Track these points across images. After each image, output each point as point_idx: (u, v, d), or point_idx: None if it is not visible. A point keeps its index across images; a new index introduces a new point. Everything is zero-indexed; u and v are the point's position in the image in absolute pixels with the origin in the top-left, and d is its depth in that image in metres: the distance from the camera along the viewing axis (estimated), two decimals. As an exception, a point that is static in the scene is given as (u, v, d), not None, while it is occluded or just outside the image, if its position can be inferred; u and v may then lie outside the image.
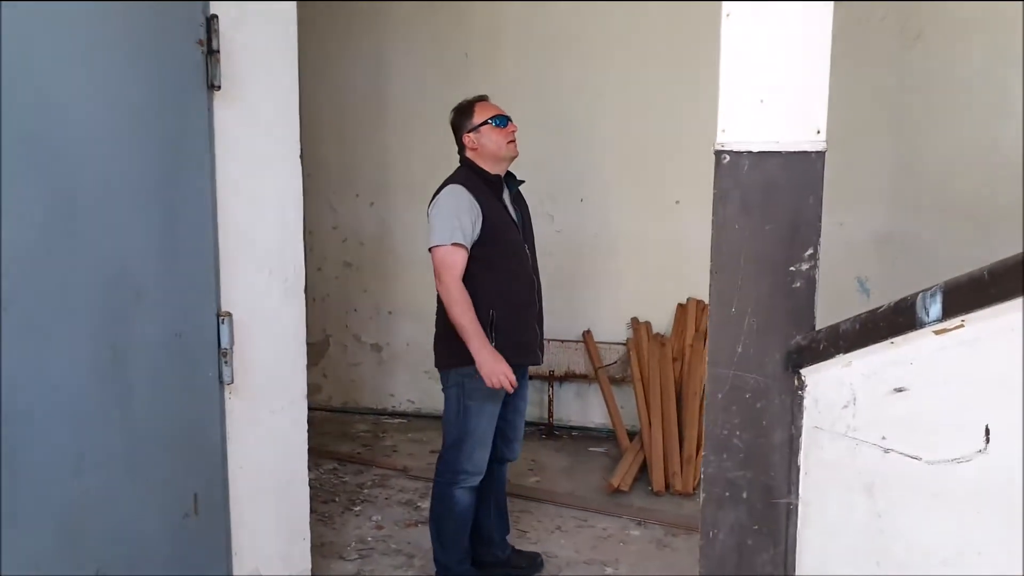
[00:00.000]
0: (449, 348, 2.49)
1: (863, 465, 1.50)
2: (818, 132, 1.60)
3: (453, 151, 2.66)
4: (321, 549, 2.98)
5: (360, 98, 4.68)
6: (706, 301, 4.34)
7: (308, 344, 4.87)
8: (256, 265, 2.17)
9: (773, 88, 1.63)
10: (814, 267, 1.64)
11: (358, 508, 3.32)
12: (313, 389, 4.89)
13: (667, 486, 3.60)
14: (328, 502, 3.38)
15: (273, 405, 2.27)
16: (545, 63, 4.36)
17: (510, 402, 2.62)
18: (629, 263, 4.37)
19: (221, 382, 1.99)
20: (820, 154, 1.60)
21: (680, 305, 4.33)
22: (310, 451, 3.96)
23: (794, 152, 1.63)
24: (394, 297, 4.66)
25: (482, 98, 2.59)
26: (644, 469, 3.76)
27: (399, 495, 3.47)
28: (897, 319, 1.41)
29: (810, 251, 1.63)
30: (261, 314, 2.19)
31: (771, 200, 1.65)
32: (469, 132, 2.53)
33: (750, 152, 1.65)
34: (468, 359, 2.42)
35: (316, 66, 4.71)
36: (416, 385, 4.66)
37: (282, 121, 2.27)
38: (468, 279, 2.43)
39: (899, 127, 3.90)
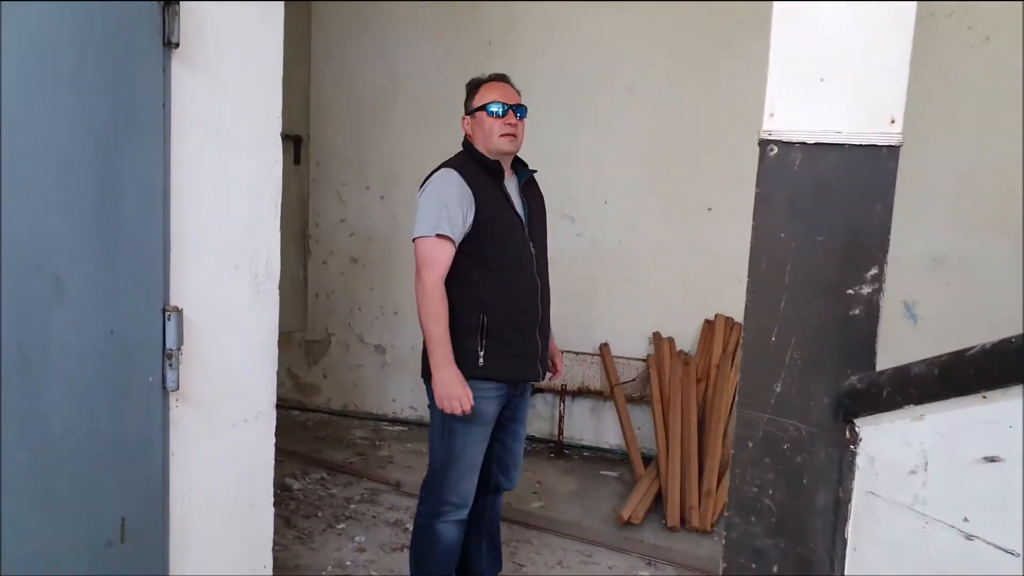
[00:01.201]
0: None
1: (935, 552, 1.17)
2: (892, 122, 1.28)
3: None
4: (294, 572, 2.70)
5: (373, 86, 4.41)
6: (736, 319, 4.04)
7: (310, 343, 4.66)
8: (219, 257, 1.89)
9: (837, 63, 1.31)
10: (878, 291, 1.31)
11: (342, 526, 3.03)
12: (312, 390, 4.65)
13: (683, 520, 3.27)
14: (310, 517, 3.10)
15: (234, 417, 1.99)
16: (570, 53, 4.06)
17: (507, 425, 2.31)
18: (654, 273, 4.04)
19: (164, 388, 1.71)
20: (893, 150, 1.28)
21: (707, 322, 3.99)
22: (299, 458, 3.74)
23: (860, 146, 1.31)
24: (401, 297, 4.38)
25: (497, 78, 2.27)
26: (659, 499, 3.44)
27: (388, 513, 3.18)
28: (994, 366, 1.07)
29: (874, 271, 1.31)
30: (223, 313, 1.91)
31: (827, 204, 1.33)
32: (467, 115, 2.23)
33: (804, 144, 1.33)
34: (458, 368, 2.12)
35: (326, 52, 4.46)
36: (419, 391, 4.29)
37: (258, 93, 1.99)
38: (458, 278, 2.14)
39: (960, 137, 3.53)
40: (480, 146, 2.21)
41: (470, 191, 2.11)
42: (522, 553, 2.94)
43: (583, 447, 4.17)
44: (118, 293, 1.58)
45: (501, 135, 2.18)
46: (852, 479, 1.30)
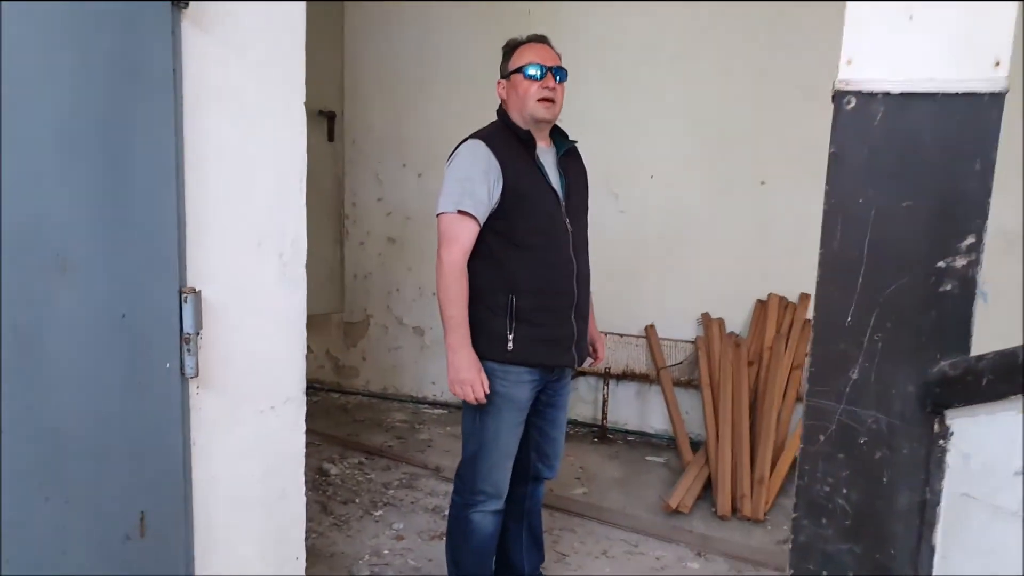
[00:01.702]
0: None
1: (1047, 567, 1.00)
2: (997, 64, 1.10)
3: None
4: (330, 561, 2.61)
5: (411, 61, 4.28)
6: (790, 299, 3.84)
7: (348, 324, 4.58)
8: (241, 235, 1.78)
9: (930, -2, 1.13)
10: (974, 265, 1.14)
11: (379, 512, 2.95)
12: (351, 372, 4.58)
13: (734, 509, 3.11)
14: (348, 503, 3.02)
15: (260, 404, 1.89)
16: (614, 20, 3.86)
17: (544, 411, 2.18)
18: (702, 251, 3.85)
19: (183, 375, 1.61)
20: (997, 98, 1.10)
21: (760, 302, 3.80)
22: (337, 442, 3.68)
23: (957, 94, 1.13)
24: (440, 277, 4.26)
25: (536, 39, 2.12)
26: (708, 487, 3.28)
27: (427, 499, 3.09)
28: None
29: (970, 240, 1.13)
30: (247, 293, 1.80)
31: (915, 164, 1.16)
32: (502, 78, 2.09)
33: (888, 94, 1.16)
34: (485, 352, 2.01)
35: (361, 25, 4.33)
36: (460, 374, 4.26)
37: (280, 60, 1.86)
38: (486, 255, 2.01)
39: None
40: (515, 112, 2.07)
41: (497, 163, 1.97)
42: (565, 542, 2.82)
43: (627, 432, 4.02)
44: (129, 273, 1.48)
45: (538, 100, 2.03)
46: (941, 479, 1.14)
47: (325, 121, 4.15)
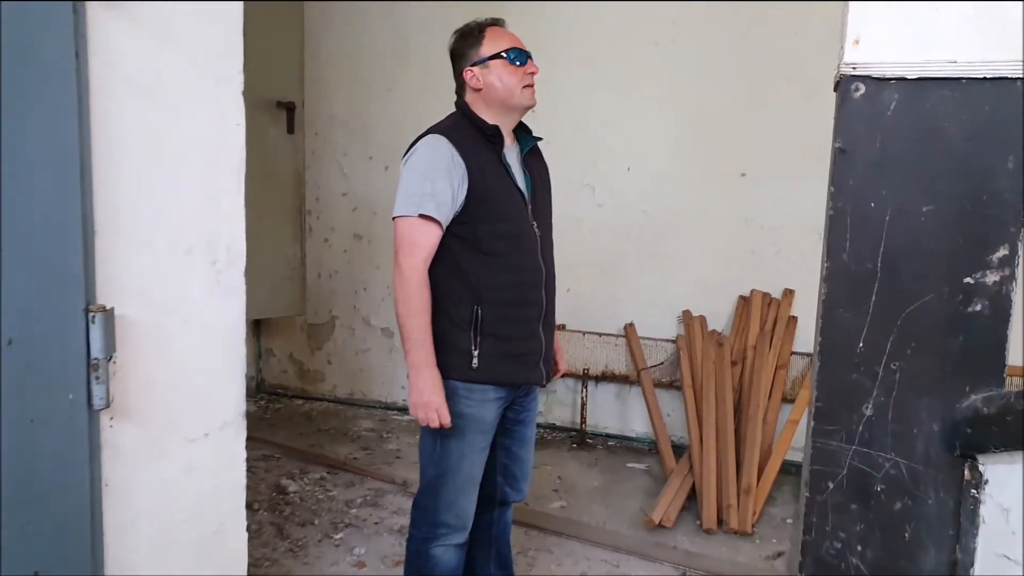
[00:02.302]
0: None
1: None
2: (1038, 40, 0.92)
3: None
4: (285, 591, 2.42)
5: (377, 47, 4.05)
6: (774, 295, 3.68)
7: (312, 326, 4.36)
8: (165, 241, 1.57)
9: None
10: (1009, 280, 0.96)
11: (340, 535, 2.74)
12: (316, 377, 4.36)
13: (719, 521, 2.95)
14: (306, 524, 2.81)
15: (191, 431, 1.68)
16: (588, 3, 3.66)
17: (512, 429, 1.99)
18: (682, 246, 3.68)
19: (91, 407, 1.40)
20: (1039, 80, 0.92)
21: (742, 298, 3.63)
22: (298, 455, 3.46)
23: (985, 79, 0.95)
24: (408, 276, 4.05)
25: (496, 22, 1.93)
26: (692, 497, 3.11)
27: (392, 519, 2.89)
28: None
29: (1002, 252, 0.95)
30: (173, 308, 1.59)
31: (937, 160, 0.98)
32: (473, 66, 1.88)
33: (902, 79, 0.97)
34: (448, 370, 1.82)
35: (322, 9, 4.10)
36: (431, 378, 4.06)
37: (211, 44, 1.64)
38: (448, 264, 1.81)
39: None
40: (493, 102, 1.86)
41: (462, 161, 1.77)
42: (541, 563, 2.63)
43: (607, 436, 3.85)
44: (17, 291, 1.27)
45: (525, 87, 1.85)
46: (975, 536, 0.96)
47: (284, 112, 3.91)
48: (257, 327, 4.36)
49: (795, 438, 3.32)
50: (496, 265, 1.81)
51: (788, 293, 3.57)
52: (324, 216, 4.25)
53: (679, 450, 3.49)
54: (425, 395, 1.77)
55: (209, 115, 1.65)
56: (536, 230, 1.89)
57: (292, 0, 3.95)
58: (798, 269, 3.54)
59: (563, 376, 3.78)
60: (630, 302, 3.76)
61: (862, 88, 0.98)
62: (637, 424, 3.81)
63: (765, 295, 3.59)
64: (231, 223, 1.74)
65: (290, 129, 3.94)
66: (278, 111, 3.86)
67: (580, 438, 3.78)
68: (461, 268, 1.79)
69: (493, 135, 1.84)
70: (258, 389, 4.40)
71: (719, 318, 3.68)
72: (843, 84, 0.99)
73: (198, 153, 1.62)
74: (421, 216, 1.74)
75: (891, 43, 0.95)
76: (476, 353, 1.79)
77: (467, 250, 1.79)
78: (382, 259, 4.17)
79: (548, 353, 1.94)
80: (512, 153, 1.91)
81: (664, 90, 3.62)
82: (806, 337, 3.52)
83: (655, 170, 3.68)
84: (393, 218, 1.80)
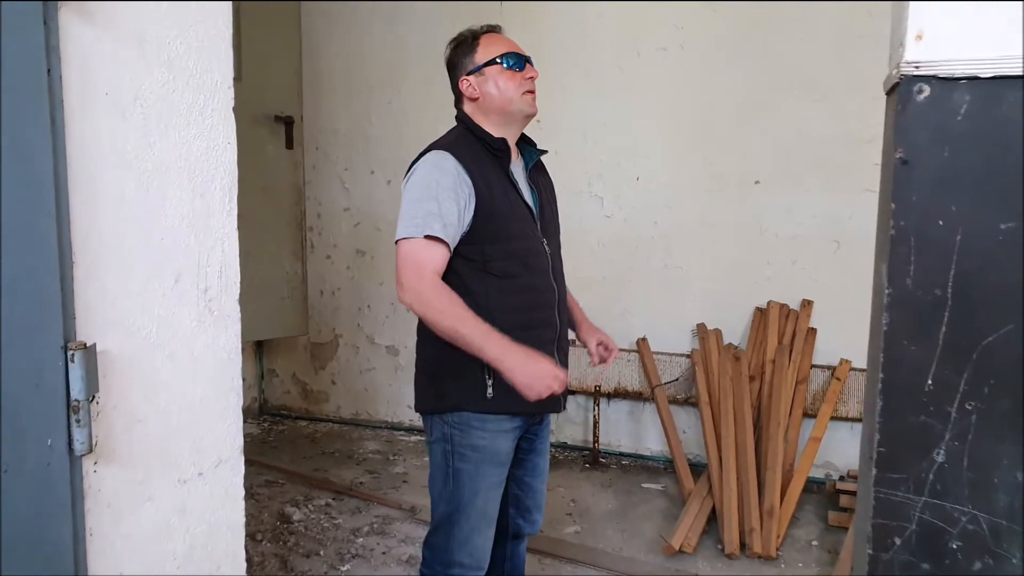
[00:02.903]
0: (432, 384, 1.76)
1: None
2: None
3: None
4: (290, 630, 2.29)
5: (377, 60, 3.95)
6: (791, 306, 3.56)
7: (316, 345, 4.25)
8: (151, 268, 1.46)
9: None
10: (1103, 305, 0.84)
11: (346, 567, 2.62)
12: (320, 398, 4.25)
13: (742, 545, 2.82)
14: (311, 555, 2.69)
15: (183, 471, 1.56)
16: (591, 13, 3.56)
17: (525, 460, 1.87)
18: (695, 257, 3.56)
19: (72, 452, 1.29)
20: None
21: (759, 310, 3.51)
22: (302, 480, 3.34)
23: (1074, 76, 0.83)
24: (413, 292, 3.93)
25: (492, 29, 1.83)
26: (712, 519, 2.99)
27: (400, 548, 2.77)
28: None
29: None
30: (161, 341, 1.48)
31: (1016, 170, 0.86)
32: (468, 75, 1.77)
33: (975, 78, 0.85)
34: (460, 400, 1.70)
35: (320, 22, 4.00)
36: (438, 397, 3.95)
37: (198, 56, 1.54)
38: (456, 288, 1.67)
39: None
40: (493, 111, 1.76)
41: (468, 178, 1.66)
42: (556, 594, 2.51)
43: (621, 454, 3.72)
44: (-14, 329, 1.15)
45: (525, 92, 1.75)
46: (1070, 603, 0.84)
47: (283, 127, 3.81)
48: (259, 347, 4.25)
49: (817, 455, 3.20)
50: (507, 287, 1.69)
51: (806, 304, 3.44)
52: (326, 232, 4.15)
53: (696, 468, 3.36)
54: (530, 371, 1.57)
55: (197, 132, 1.55)
56: (546, 247, 1.78)
57: (289, 7, 3.84)
58: (815, 279, 3.43)
59: (575, 393, 3.68)
60: (642, 316, 3.64)
61: (927, 90, 0.86)
62: (651, 442, 3.69)
63: (783, 307, 3.47)
64: (223, 246, 1.63)
65: (289, 144, 3.84)
66: (276, 126, 3.76)
67: (593, 458, 3.65)
68: (470, 291, 1.67)
69: (500, 149, 1.73)
70: (261, 411, 4.29)
71: (735, 331, 3.55)
72: (903, 86, 0.87)
73: (185, 173, 1.51)
74: (427, 237, 1.63)
75: (961, 37, 0.84)
76: (490, 382, 1.67)
77: (476, 272, 1.68)
78: (386, 275, 4.06)
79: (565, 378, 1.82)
80: (518, 167, 1.81)
81: (672, 97, 3.51)
82: (825, 349, 3.40)
83: (665, 179, 3.57)
84: (396, 241, 1.69)
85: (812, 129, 3.32)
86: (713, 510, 3.01)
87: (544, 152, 1.88)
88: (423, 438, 3.93)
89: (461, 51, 1.79)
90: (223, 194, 1.63)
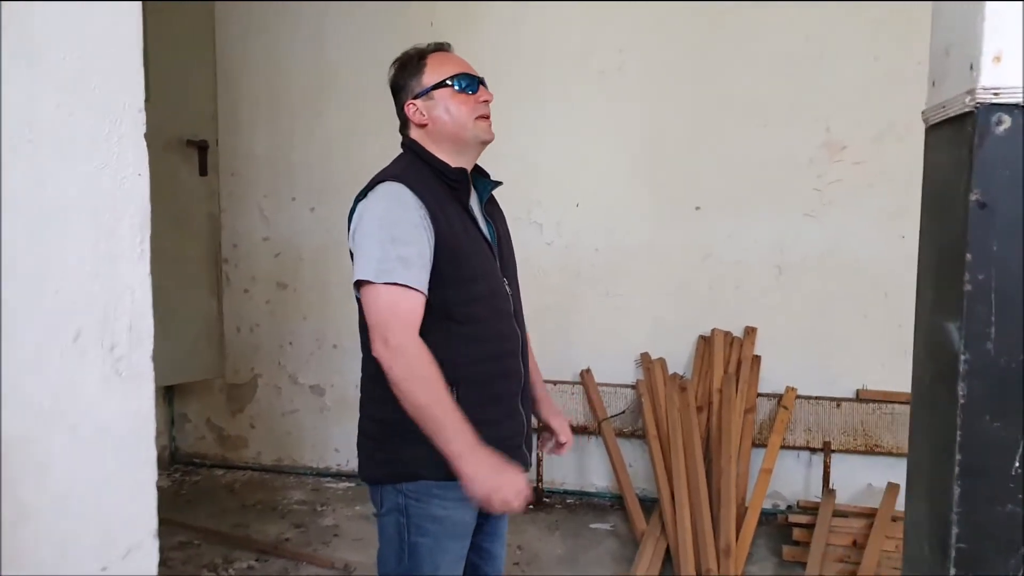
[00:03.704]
0: (383, 448, 1.56)
1: None
2: None
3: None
4: None
5: (300, 82, 3.71)
6: (735, 333, 3.50)
7: (232, 387, 3.92)
8: (43, 325, 1.21)
9: None
10: None
11: (276, 641, 2.35)
12: (238, 443, 3.92)
13: (700, 587, 2.69)
14: (235, 630, 2.41)
15: (86, 566, 1.31)
16: (529, 29, 3.44)
17: (485, 524, 1.68)
18: (637, 284, 3.46)
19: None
20: None
21: (703, 338, 3.42)
22: (221, 539, 3.01)
23: None
24: (341, 327, 3.68)
25: (440, 47, 1.66)
26: (668, 559, 2.85)
27: (337, 615, 2.51)
28: None
29: None
30: (57, 413, 1.23)
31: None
32: (415, 98, 1.59)
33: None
34: (417, 466, 1.50)
35: (236, 38, 3.74)
36: (369, 438, 3.70)
37: (103, 76, 1.30)
38: None
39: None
40: (444, 138, 1.58)
41: (427, 213, 1.48)
42: (511, 658, 2.31)
43: (566, 492, 3.56)
44: None
45: (478, 117, 1.57)
46: None
47: (196, 152, 3.52)
48: (169, 390, 3.89)
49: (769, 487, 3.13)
50: (471, 335, 1.51)
51: (750, 331, 3.38)
52: (243, 264, 3.85)
53: (644, 503, 3.23)
54: (491, 481, 1.40)
55: (101, 163, 1.30)
56: (508, 288, 1.61)
57: (202, 20, 3.56)
58: (759, 305, 3.37)
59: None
60: (585, 346, 3.50)
61: (1007, 120, 0.73)
62: (597, 478, 3.54)
63: (727, 334, 3.40)
64: (134, 295, 1.38)
65: (203, 171, 3.54)
66: (189, 151, 3.47)
67: (537, 497, 3.48)
68: (430, 342, 1.48)
69: (458, 180, 1.55)
70: (172, 460, 3.92)
71: (679, 360, 3.46)
72: (979, 116, 0.74)
73: (87, 212, 1.27)
74: (396, 284, 1.43)
75: (1051, 60, 0.71)
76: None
77: (436, 320, 1.49)
78: (310, 309, 3.79)
79: (529, 431, 1.65)
80: (473, 200, 1.63)
81: (612, 121, 3.42)
82: (769, 377, 3.34)
83: (605, 205, 3.46)
84: (357, 283, 1.47)
85: (755, 153, 3.28)
86: (667, 550, 2.88)
87: (499, 184, 1.72)
88: (352, 484, 3.66)
89: (406, 72, 1.61)
90: (133, 233, 1.38)
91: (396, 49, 3.97)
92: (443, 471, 1.46)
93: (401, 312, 1.44)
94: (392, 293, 1.44)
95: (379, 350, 1.44)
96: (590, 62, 3.41)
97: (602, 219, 3.45)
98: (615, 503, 3.43)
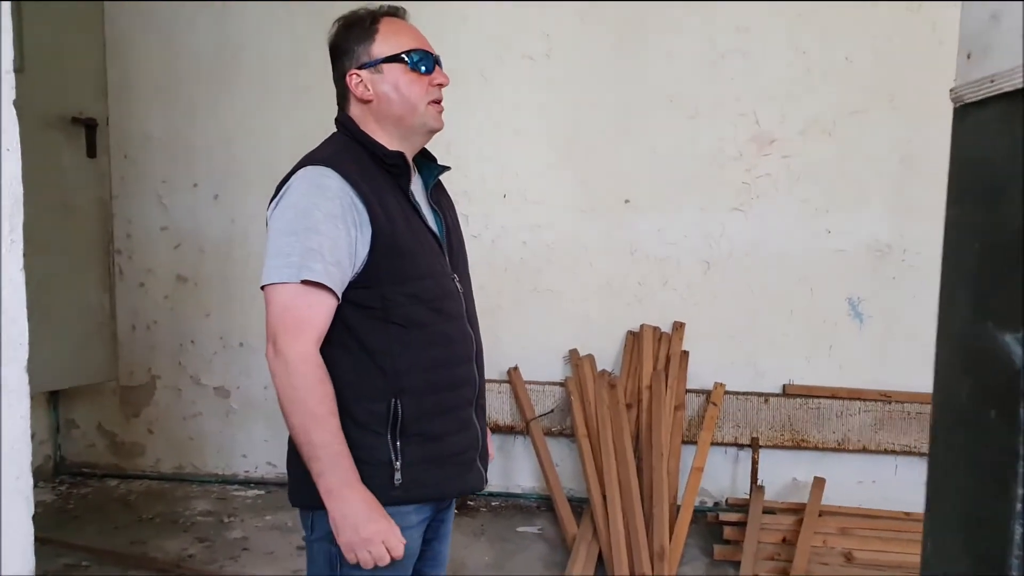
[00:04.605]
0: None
1: None
2: None
3: (334, 125, 1.50)
4: None
5: (200, 49, 3.41)
6: (663, 329, 3.44)
7: (127, 389, 3.59)
8: None
9: None
10: None
11: (180, 676, 2.11)
12: (134, 451, 3.59)
13: (634, 592, 2.60)
14: (132, 664, 2.15)
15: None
16: (452, 10, 3.26)
17: (427, 549, 1.51)
18: (565, 279, 3.35)
19: None
20: None
21: (631, 333, 3.35)
22: (115, 559, 2.68)
23: None
24: (247, 323, 3.43)
25: (395, 12, 1.46)
26: (600, 563, 2.76)
27: (249, 641, 2.29)
28: None
29: None
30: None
31: None
32: (361, 68, 1.40)
33: None
34: None
35: (130, 15, 3.40)
36: (278, 441, 3.39)
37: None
38: (348, 345, 1.33)
39: (893, 106, 3.10)
40: (389, 120, 1.40)
41: (360, 201, 1.30)
42: None
43: (491, 495, 3.42)
44: None
45: (431, 102, 1.41)
46: None
47: (83, 130, 3.18)
48: (53, 394, 3.52)
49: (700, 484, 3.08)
50: (416, 339, 1.34)
51: (679, 327, 3.32)
52: (138, 255, 3.52)
53: (573, 503, 3.12)
54: (361, 529, 1.24)
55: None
56: (458, 285, 1.44)
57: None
58: (686, 301, 3.32)
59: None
60: (512, 343, 3.37)
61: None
62: (523, 479, 3.42)
63: (655, 329, 3.33)
64: (3, 295, 1.16)
65: (91, 152, 3.20)
66: (75, 129, 3.13)
67: (460, 500, 3.33)
68: (367, 348, 1.30)
69: (395, 164, 1.37)
70: (56, 471, 3.55)
71: (608, 356, 3.37)
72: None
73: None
74: (305, 283, 1.24)
75: None
76: (398, 464, 1.31)
77: (374, 323, 1.31)
78: (213, 304, 3.51)
79: (484, 444, 1.49)
80: (417, 187, 1.46)
81: (539, 110, 3.29)
82: (698, 372, 3.30)
83: (532, 197, 3.33)
84: (263, 286, 1.28)
85: (684, 146, 3.22)
86: (600, 555, 2.78)
87: (447, 168, 1.55)
88: (262, 491, 3.41)
89: (353, 35, 1.41)
90: (1, 222, 1.15)
91: (309, 17, 3.71)
92: (384, 495, 1.29)
93: (296, 314, 1.26)
94: (288, 293, 1.26)
95: (268, 355, 1.28)
96: (515, 47, 3.26)
97: (530, 212, 3.33)
98: (542, 504, 3.32)
